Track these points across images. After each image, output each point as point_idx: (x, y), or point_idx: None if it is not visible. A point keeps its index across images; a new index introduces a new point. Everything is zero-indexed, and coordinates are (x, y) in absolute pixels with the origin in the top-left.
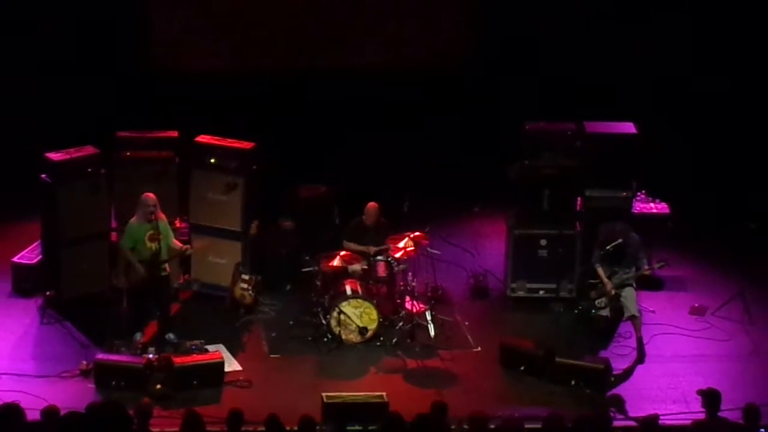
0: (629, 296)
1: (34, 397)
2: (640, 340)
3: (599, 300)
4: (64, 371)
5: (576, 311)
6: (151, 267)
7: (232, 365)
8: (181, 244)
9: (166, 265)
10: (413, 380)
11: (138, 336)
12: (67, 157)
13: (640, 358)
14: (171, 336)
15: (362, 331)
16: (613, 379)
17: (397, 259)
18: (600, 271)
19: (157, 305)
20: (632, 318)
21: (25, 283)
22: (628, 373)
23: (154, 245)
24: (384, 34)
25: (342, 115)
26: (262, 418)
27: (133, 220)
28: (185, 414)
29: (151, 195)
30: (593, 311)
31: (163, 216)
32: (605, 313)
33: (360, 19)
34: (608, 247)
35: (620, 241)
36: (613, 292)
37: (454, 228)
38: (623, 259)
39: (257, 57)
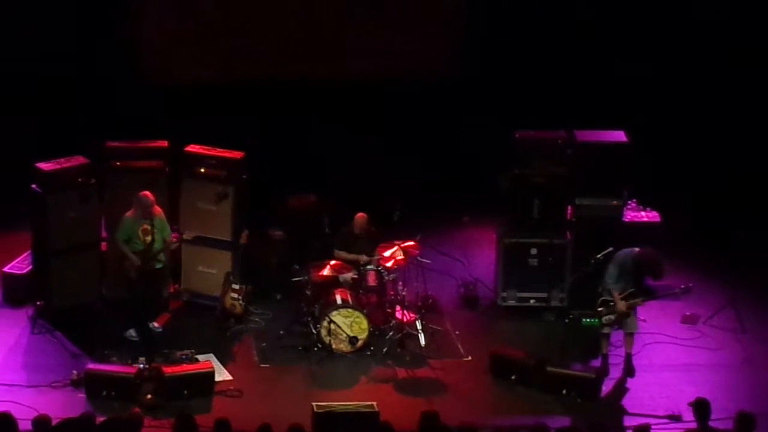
0: (633, 313)
1: (25, 407)
2: (629, 357)
3: (608, 317)
4: (55, 381)
5: (567, 320)
6: (145, 258)
7: (222, 375)
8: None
9: (162, 257)
10: (404, 390)
11: (132, 332)
12: (58, 167)
13: (630, 372)
14: (155, 325)
15: (352, 340)
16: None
17: (387, 269)
18: (615, 293)
19: (148, 296)
20: (630, 334)
21: (15, 293)
22: (618, 386)
23: (147, 238)
24: (372, 43)
25: (331, 124)
26: (253, 427)
27: (128, 214)
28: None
29: (149, 194)
30: (585, 320)
31: (159, 210)
32: (607, 330)
33: (347, 29)
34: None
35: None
36: (625, 309)
37: (445, 237)
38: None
39: (246, 67)
